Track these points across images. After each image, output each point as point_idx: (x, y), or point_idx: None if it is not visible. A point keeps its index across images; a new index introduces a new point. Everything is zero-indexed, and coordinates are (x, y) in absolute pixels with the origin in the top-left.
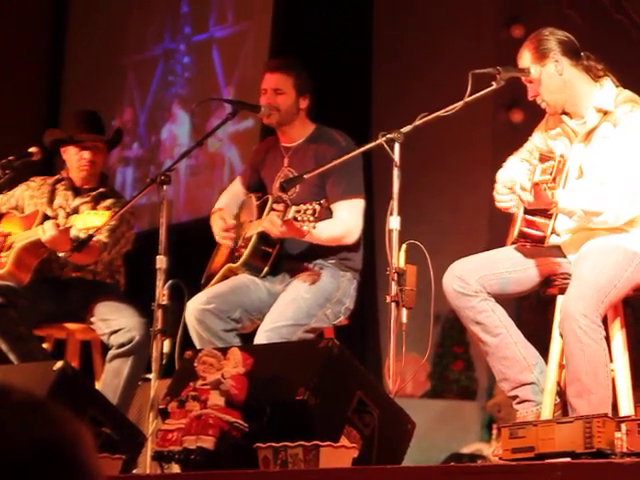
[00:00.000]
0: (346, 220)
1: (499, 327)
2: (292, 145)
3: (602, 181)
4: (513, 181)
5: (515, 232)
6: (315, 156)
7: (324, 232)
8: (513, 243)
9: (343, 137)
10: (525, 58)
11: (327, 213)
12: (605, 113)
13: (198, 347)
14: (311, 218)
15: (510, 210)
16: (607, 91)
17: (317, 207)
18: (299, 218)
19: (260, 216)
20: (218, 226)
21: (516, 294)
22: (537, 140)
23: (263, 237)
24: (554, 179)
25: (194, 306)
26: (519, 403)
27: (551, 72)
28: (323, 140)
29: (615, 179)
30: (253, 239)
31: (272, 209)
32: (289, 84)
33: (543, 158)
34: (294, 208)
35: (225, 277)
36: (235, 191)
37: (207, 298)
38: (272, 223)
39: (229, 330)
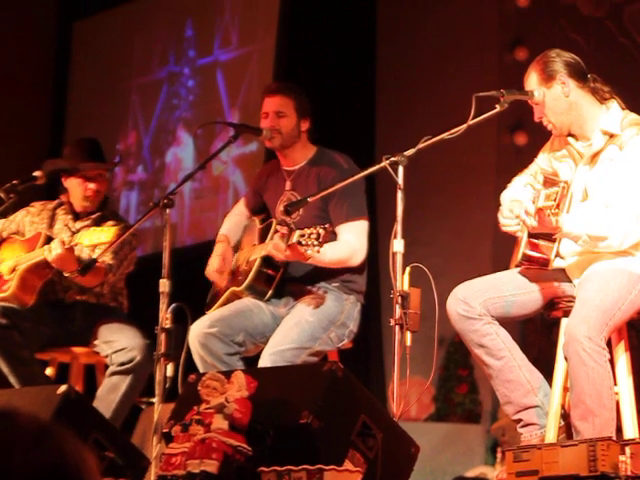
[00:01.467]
0: (351, 242)
1: (503, 350)
2: (294, 168)
3: (607, 204)
4: (517, 202)
5: (519, 255)
6: (317, 179)
7: (329, 254)
8: (517, 266)
9: (344, 159)
10: (532, 80)
11: (331, 235)
12: (611, 136)
13: (201, 371)
14: (315, 242)
15: (516, 234)
16: (613, 114)
17: (321, 231)
18: (303, 242)
19: (263, 239)
20: (213, 265)
21: (520, 317)
22: (542, 161)
23: (267, 261)
24: (558, 205)
25: (197, 330)
26: (523, 426)
27: (557, 94)
28: (325, 162)
29: (620, 203)
30: (257, 262)
31: (276, 232)
32: (290, 106)
33: (547, 182)
34: (298, 232)
35: (229, 300)
36: (239, 214)
37: (210, 322)
38: (276, 247)
39: (232, 354)
